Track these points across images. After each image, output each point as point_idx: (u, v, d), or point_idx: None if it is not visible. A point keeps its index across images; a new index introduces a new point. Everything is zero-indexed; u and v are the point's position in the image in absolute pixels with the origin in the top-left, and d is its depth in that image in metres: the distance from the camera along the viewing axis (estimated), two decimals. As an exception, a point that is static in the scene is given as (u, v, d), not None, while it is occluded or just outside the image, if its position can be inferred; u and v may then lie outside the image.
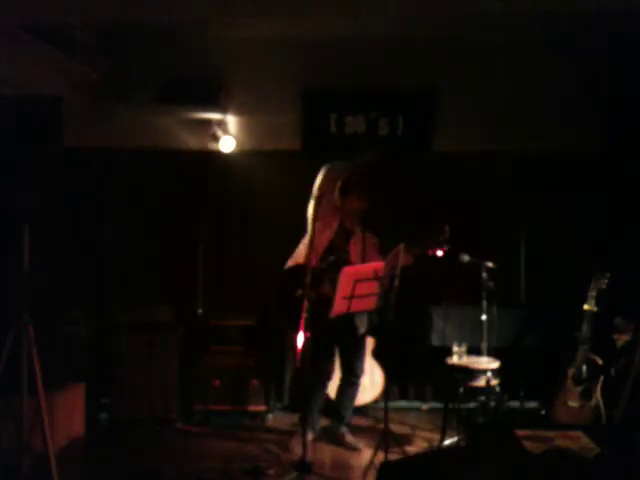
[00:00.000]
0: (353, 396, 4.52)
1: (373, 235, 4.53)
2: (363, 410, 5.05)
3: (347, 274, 3.65)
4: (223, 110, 5.09)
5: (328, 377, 4.45)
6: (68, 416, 4.41)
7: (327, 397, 4.60)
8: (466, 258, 4.62)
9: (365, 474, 3.74)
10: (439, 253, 4.10)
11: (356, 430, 4.57)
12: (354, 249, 4.40)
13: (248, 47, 4.65)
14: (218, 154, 5.34)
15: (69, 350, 4.69)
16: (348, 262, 4.22)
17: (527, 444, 3.95)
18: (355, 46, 4.35)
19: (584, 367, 4.38)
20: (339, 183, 4.24)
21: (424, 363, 5.35)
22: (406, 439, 4.51)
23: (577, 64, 4.99)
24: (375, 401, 5.09)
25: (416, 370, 5.37)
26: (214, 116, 5.12)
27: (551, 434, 4.15)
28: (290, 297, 4.11)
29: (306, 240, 4.36)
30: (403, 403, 5.33)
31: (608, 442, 3.77)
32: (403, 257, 4.11)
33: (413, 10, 3.44)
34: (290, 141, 5.30)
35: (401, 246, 4.12)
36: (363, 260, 4.35)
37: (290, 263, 4.28)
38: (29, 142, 5.06)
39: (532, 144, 5.28)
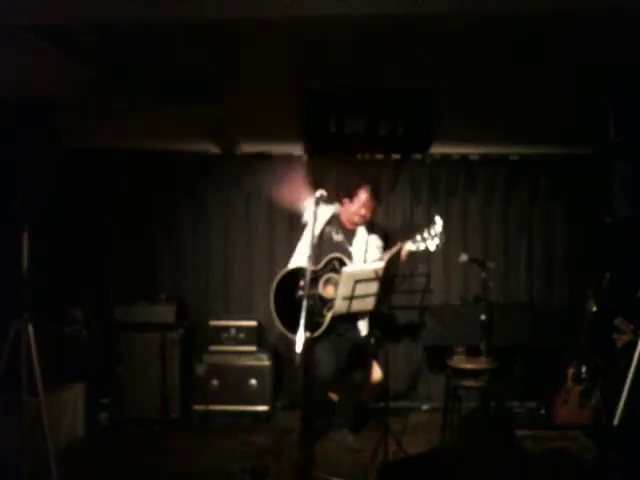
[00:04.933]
0: (354, 397, 4.53)
1: (377, 236, 4.55)
2: (363, 410, 5.04)
3: (348, 274, 3.65)
4: (222, 110, 5.09)
5: (329, 377, 4.45)
6: (68, 416, 4.42)
7: (328, 397, 4.60)
8: (466, 258, 4.62)
9: (365, 474, 3.74)
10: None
11: (356, 430, 4.56)
12: (356, 249, 4.41)
13: (248, 46, 4.64)
14: (218, 154, 5.34)
15: (69, 350, 4.69)
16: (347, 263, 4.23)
17: (527, 444, 3.96)
18: (356, 45, 4.34)
19: (584, 367, 4.38)
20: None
21: (423, 363, 5.36)
22: (406, 439, 4.51)
23: (580, 63, 4.98)
24: (375, 401, 5.09)
25: (416, 370, 5.37)
26: (213, 116, 5.11)
27: (551, 434, 4.16)
28: (287, 300, 4.13)
29: (303, 243, 4.39)
30: (403, 403, 5.33)
31: (608, 442, 3.78)
32: (402, 257, 4.12)
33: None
34: (290, 141, 5.30)
35: (400, 245, 4.14)
36: (364, 260, 4.36)
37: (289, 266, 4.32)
38: (29, 142, 5.05)
39: (533, 143, 5.28)
